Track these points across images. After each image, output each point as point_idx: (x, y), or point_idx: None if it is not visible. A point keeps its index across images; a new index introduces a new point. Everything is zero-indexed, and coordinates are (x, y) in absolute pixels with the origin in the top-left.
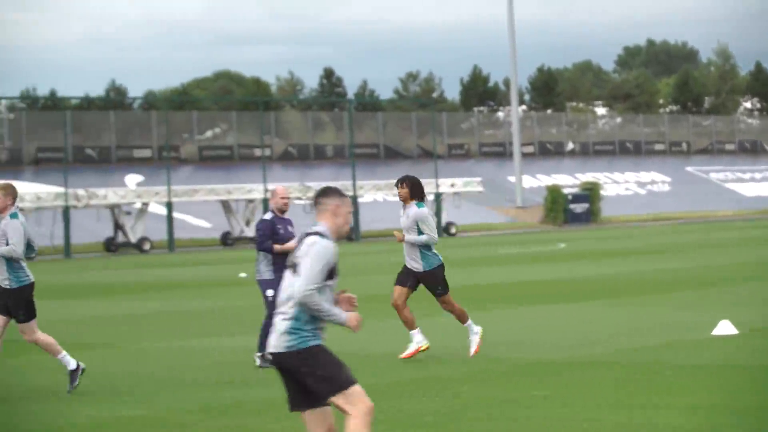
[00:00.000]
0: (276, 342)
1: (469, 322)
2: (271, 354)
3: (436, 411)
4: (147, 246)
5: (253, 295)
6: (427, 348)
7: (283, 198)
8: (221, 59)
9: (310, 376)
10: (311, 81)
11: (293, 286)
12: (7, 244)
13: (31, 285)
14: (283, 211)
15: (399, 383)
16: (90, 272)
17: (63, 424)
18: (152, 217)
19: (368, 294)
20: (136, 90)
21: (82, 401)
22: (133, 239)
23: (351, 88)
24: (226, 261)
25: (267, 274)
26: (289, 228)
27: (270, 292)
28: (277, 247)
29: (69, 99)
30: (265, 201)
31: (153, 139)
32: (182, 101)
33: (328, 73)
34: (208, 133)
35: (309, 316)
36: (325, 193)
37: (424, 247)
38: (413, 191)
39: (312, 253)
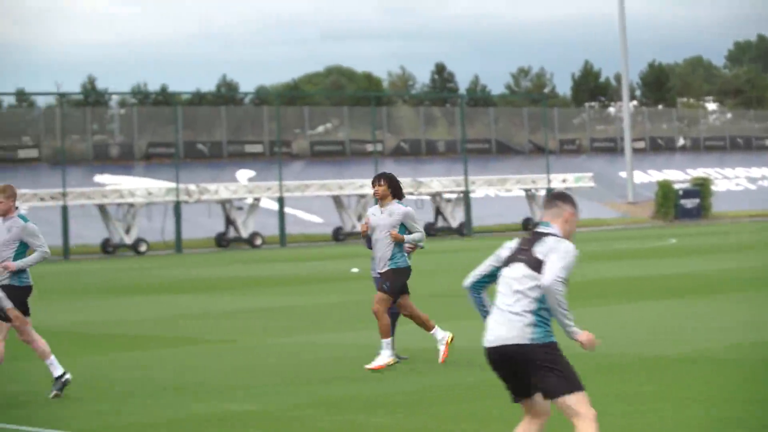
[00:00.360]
0: (515, 333)
1: (390, 342)
2: (503, 346)
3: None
4: (258, 241)
5: (366, 290)
6: (452, 338)
7: None
8: (333, 54)
9: (547, 371)
10: (423, 76)
11: (531, 278)
12: (20, 248)
13: (30, 288)
14: None
15: None
16: (201, 267)
17: (173, 417)
18: (263, 213)
19: None
20: (247, 85)
21: (195, 396)
22: (245, 234)
23: (463, 84)
24: (338, 256)
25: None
26: None
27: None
28: None
29: (180, 94)
30: None
31: (264, 135)
32: (294, 96)
33: (440, 69)
34: (320, 129)
35: (549, 312)
36: (564, 198)
37: (399, 250)
38: (393, 189)
39: (560, 249)
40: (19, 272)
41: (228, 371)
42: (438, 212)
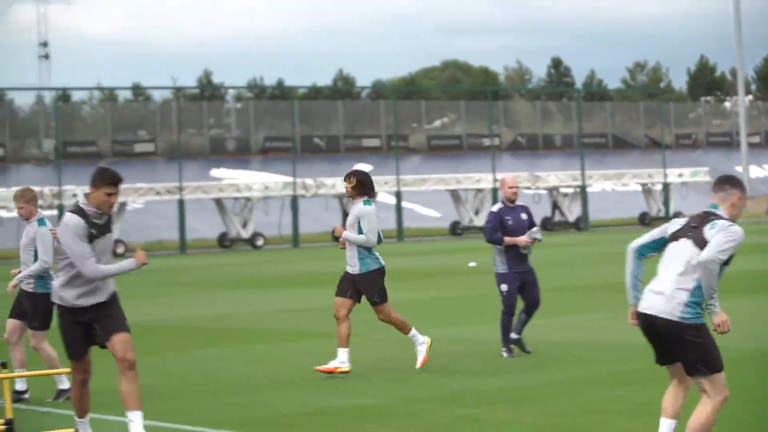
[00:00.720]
0: (667, 308)
1: (413, 332)
2: (653, 316)
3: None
4: None
5: (484, 284)
6: (347, 372)
7: (511, 188)
8: (449, 49)
9: (691, 351)
10: (539, 70)
11: (691, 253)
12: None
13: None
14: (512, 201)
15: (628, 372)
16: (318, 262)
17: (293, 412)
18: (381, 207)
19: (595, 283)
20: (364, 79)
21: (315, 390)
22: None
23: (579, 78)
24: (455, 250)
25: (501, 267)
26: (522, 216)
27: (504, 287)
28: (507, 239)
29: (296, 88)
30: (494, 190)
31: (381, 129)
32: (410, 90)
33: (556, 63)
34: (437, 123)
35: (703, 295)
36: (732, 182)
37: (364, 249)
38: (361, 187)
39: (728, 231)
40: (44, 278)
41: None
42: (555, 206)
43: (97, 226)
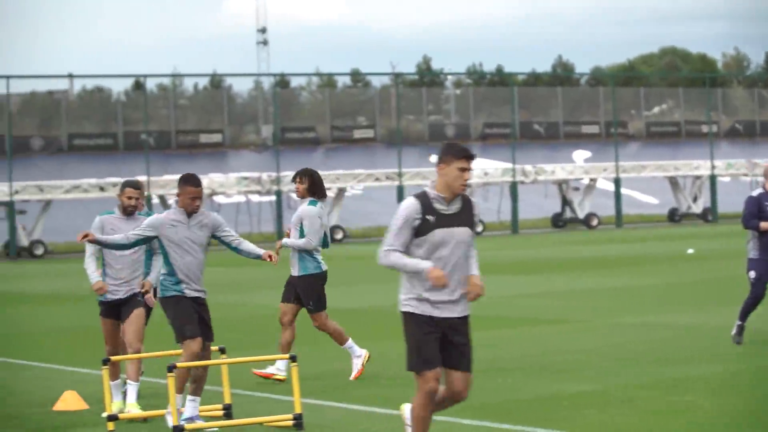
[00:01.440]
0: None
1: (349, 342)
2: None
3: None
4: (594, 222)
5: (702, 271)
6: (282, 380)
7: None
8: (667, 35)
9: None
10: (757, 57)
11: None
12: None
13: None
14: None
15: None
16: (537, 248)
17: (511, 398)
18: (600, 193)
19: None
20: (583, 66)
21: (531, 376)
22: (581, 215)
23: None
24: (674, 237)
25: (753, 252)
26: None
27: (752, 274)
28: (763, 224)
29: (516, 75)
30: (713, 177)
31: (600, 115)
32: (629, 77)
33: None
34: (656, 109)
35: None
36: None
37: (304, 251)
38: (311, 187)
39: None
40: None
41: (563, 351)
42: None
43: (439, 215)
